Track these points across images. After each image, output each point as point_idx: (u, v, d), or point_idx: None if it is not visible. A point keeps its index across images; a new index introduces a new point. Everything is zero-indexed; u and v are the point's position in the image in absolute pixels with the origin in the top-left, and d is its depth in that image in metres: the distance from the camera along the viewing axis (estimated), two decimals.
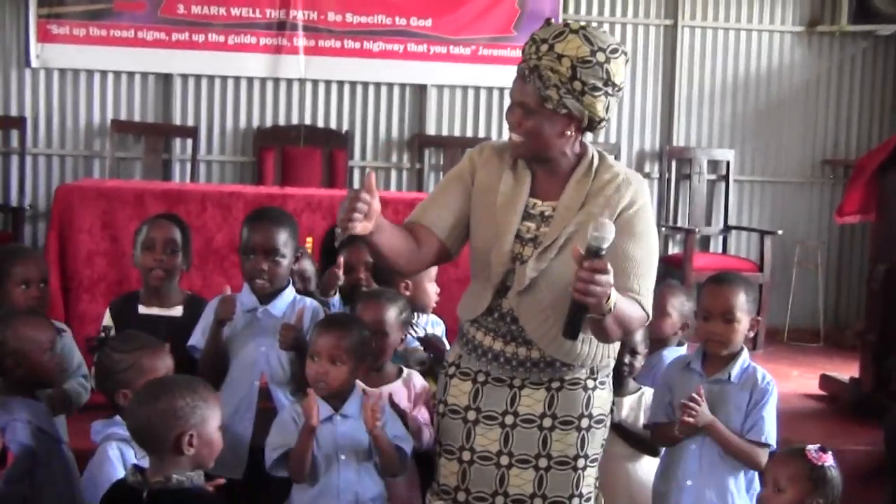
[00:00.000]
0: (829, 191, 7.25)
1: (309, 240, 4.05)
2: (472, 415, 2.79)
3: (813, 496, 2.71)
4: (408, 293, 3.49)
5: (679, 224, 6.99)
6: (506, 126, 6.80)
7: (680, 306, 3.61)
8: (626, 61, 2.70)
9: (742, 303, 3.08)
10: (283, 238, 3.21)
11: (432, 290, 3.48)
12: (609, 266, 2.40)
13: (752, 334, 3.15)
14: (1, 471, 2.59)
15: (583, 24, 2.65)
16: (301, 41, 6.56)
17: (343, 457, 2.90)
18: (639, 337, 3.32)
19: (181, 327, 3.41)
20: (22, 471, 2.68)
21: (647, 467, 3.32)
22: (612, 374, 2.92)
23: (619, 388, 3.28)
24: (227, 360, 3.22)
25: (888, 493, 3.85)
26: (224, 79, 6.59)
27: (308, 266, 3.55)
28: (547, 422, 2.77)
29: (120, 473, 2.62)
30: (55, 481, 2.80)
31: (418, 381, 3.22)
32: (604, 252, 2.41)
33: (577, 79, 2.59)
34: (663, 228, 6.86)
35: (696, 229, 6.68)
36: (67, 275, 4.72)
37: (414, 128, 6.83)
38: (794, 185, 7.23)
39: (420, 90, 6.80)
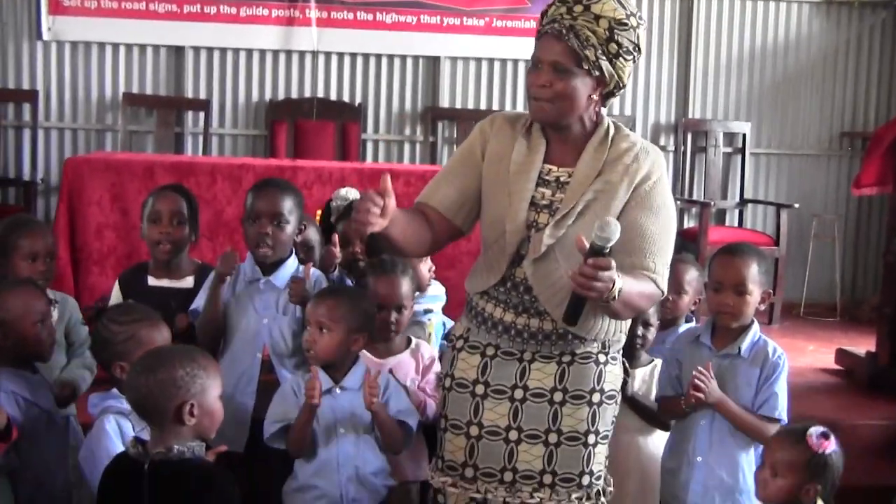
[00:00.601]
0: (846, 163, 7.16)
1: (319, 212, 4.02)
2: (480, 389, 2.76)
3: (810, 484, 2.66)
4: None
5: (695, 197, 6.93)
6: (521, 97, 6.67)
7: (695, 283, 3.57)
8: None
9: (754, 274, 3.03)
10: (287, 205, 3.20)
11: (425, 269, 3.45)
12: (612, 262, 2.37)
13: (763, 307, 3.10)
14: (3, 445, 2.57)
15: None
16: (313, 13, 6.51)
17: (342, 430, 2.89)
18: (651, 309, 3.28)
19: (192, 298, 3.39)
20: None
21: (658, 441, 3.29)
22: (623, 348, 2.90)
23: (631, 361, 3.26)
24: (223, 324, 3.19)
25: None
26: (236, 51, 6.55)
27: (313, 235, 3.52)
28: (557, 396, 2.73)
29: (118, 447, 2.61)
30: (45, 454, 2.79)
31: (427, 351, 3.20)
32: (608, 251, 2.38)
33: (614, 40, 2.59)
34: (678, 202, 6.79)
35: (712, 202, 6.62)
36: (77, 247, 4.71)
37: (427, 100, 6.78)
38: (811, 157, 7.15)
39: (433, 62, 6.74)
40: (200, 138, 6.52)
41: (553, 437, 2.73)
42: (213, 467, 2.38)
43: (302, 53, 6.60)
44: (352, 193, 3.71)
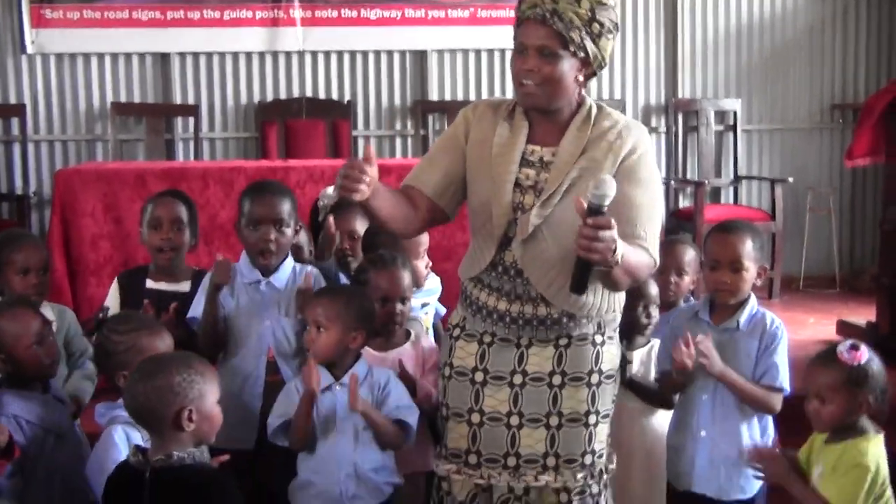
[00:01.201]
0: (838, 135, 7.15)
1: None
2: (479, 376, 2.76)
3: (860, 396, 2.64)
4: None
5: (688, 177, 6.92)
6: (510, 87, 6.73)
7: (693, 263, 3.57)
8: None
9: (749, 251, 3.03)
10: (287, 208, 3.20)
11: (421, 266, 3.44)
12: (613, 222, 2.37)
13: (759, 282, 3.10)
14: (5, 463, 2.56)
15: None
16: (297, 12, 6.50)
17: (342, 427, 2.87)
18: (654, 290, 3.29)
19: (189, 301, 3.39)
20: (13, 467, 2.67)
21: (661, 421, 3.28)
22: (624, 328, 2.92)
23: (628, 343, 3.26)
24: (224, 329, 3.18)
25: None
26: (222, 55, 6.54)
27: (302, 236, 3.53)
28: (556, 379, 2.74)
29: (115, 456, 2.60)
30: (52, 474, 2.77)
31: (426, 343, 3.19)
32: (605, 209, 2.38)
33: (596, 20, 2.60)
34: (672, 182, 6.79)
35: (706, 181, 6.61)
36: (73, 259, 4.70)
37: (416, 94, 6.76)
38: (802, 131, 7.14)
39: (420, 56, 6.73)
40: (191, 143, 6.52)
41: (554, 420, 2.74)
42: (214, 471, 2.38)
43: (288, 54, 6.59)
44: None
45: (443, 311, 3.65)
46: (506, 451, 2.74)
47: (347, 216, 3.53)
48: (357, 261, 3.47)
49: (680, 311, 3.32)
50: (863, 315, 5.38)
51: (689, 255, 3.56)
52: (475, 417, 2.76)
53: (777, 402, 2.99)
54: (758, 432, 3.05)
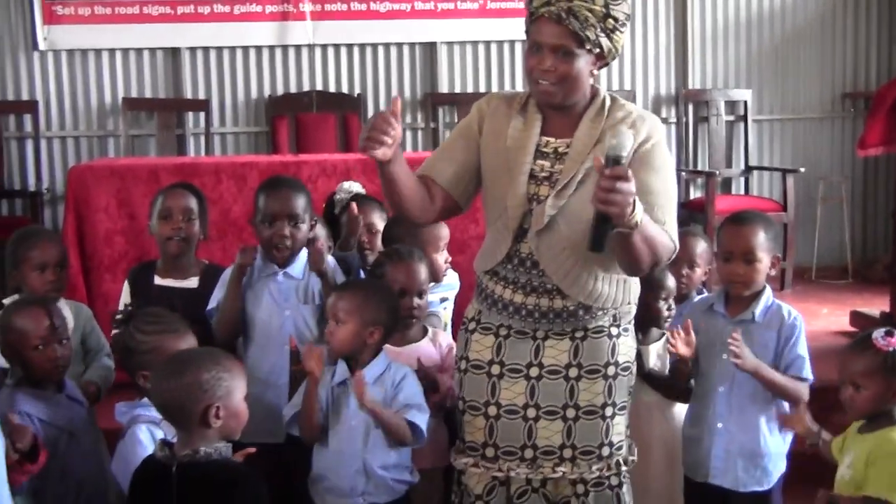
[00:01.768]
0: (850, 124, 7.12)
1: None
2: (496, 369, 2.77)
3: (895, 383, 2.62)
4: None
5: (699, 168, 6.91)
6: (520, 79, 6.64)
7: (705, 255, 3.57)
8: None
9: (762, 241, 3.03)
10: (301, 204, 3.21)
11: (440, 260, 3.44)
12: (630, 173, 2.35)
13: (773, 272, 3.10)
14: (27, 466, 2.56)
15: None
16: (307, 6, 6.50)
17: (353, 422, 2.88)
18: (672, 282, 3.30)
19: (197, 298, 3.40)
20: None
21: (679, 413, 3.29)
22: (640, 321, 2.94)
23: (644, 337, 3.27)
24: (244, 317, 3.20)
25: None
26: (232, 49, 6.55)
27: (319, 230, 3.53)
28: (573, 372, 2.75)
29: (140, 454, 2.61)
30: (66, 472, 2.78)
31: (444, 339, 3.20)
32: (623, 160, 2.37)
33: (610, 16, 2.60)
34: (683, 173, 6.77)
35: (717, 172, 6.60)
36: (87, 255, 4.71)
37: (426, 86, 6.77)
38: (814, 120, 7.12)
39: (430, 48, 6.73)
40: (202, 138, 6.53)
41: (571, 412, 2.75)
42: (239, 467, 2.39)
43: (298, 47, 6.60)
44: (355, 186, 3.73)
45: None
46: (523, 444, 2.76)
47: (366, 209, 3.54)
48: (375, 254, 3.47)
49: (694, 303, 3.33)
50: (876, 305, 5.38)
51: (701, 246, 3.56)
52: (492, 410, 2.77)
53: (806, 392, 3.00)
54: (776, 423, 3.05)
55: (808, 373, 3.02)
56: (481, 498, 2.81)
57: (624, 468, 2.82)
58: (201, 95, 6.55)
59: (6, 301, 3.31)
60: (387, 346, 3.02)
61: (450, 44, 6.74)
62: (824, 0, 7.03)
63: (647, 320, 3.23)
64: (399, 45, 6.71)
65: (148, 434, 2.70)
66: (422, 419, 2.88)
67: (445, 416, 3.07)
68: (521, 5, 2.75)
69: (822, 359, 3.14)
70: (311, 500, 2.93)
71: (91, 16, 6.32)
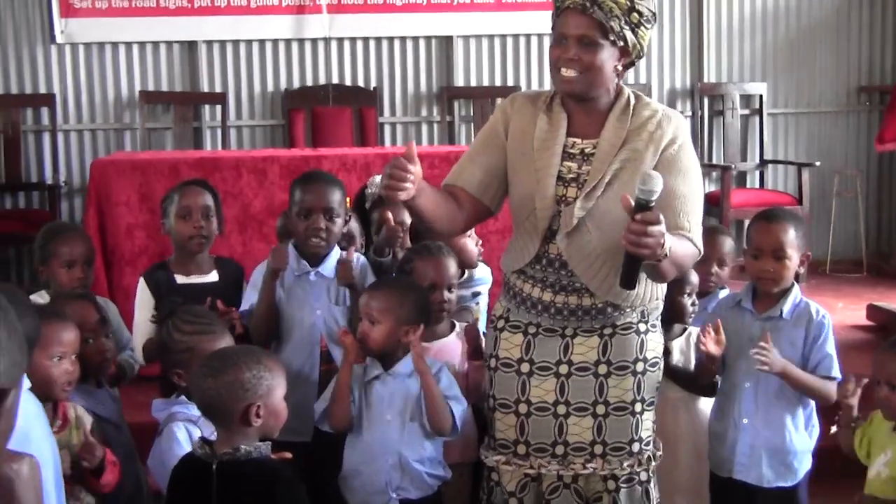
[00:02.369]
0: (865, 118, 7.13)
1: (347, 199, 4.03)
2: (525, 367, 2.79)
3: None
4: None
5: (714, 161, 6.91)
6: (536, 73, 6.65)
7: (731, 252, 3.58)
8: None
9: (792, 239, 3.04)
10: (337, 198, 3.22)
11: (471, 245, 3.44)
12: (661, 216, 2.39)
13: (802, 270, 3.11)
14: (104, 479, 2.58)
15: None
16: None
17: (388, 417, 2.89)
18: (695, 278, 3.30)
19: (220, 292, 3.41)
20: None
21: (704, 408, 3.30)
22: (664, 316, 2.93)
23: (666, 334, 3.27)
24: (278, 318, 3.21)
25: None
26: (249, 42, 6.56)
27: (353, 225, 3.54)
28: (602, 368, 2.77)
29: (177, 452, 2.62)
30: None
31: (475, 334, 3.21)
32: (653, 204, 2.39)
33: (635, 10, 2.62)
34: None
35: (733, 166, 6.61)
36: (108, 249, 4.74)
37: (442, 80, 6.77)
38: (829, 114, 7.12)
39: (446, 42, 6.73)
40: (219, 131, 6.55)
41: (601, 409, 2.77)
42: (279, 465, 2.39)
43: (314, 41, 6.61)
44: None
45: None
46: (554, 440, 2.78)
47: (395, 206, 3.53)
48: (404, 250, 3.47)
49: (721, 300, 3.34)
50: (892, 298, 5.40)
51: (728, 244, 3.57)
52: (522, 408, 2.79)
53: (834, 391, 3.00)
54: (802, 421, 3.07)
55: (836, 372, 3.03)
56: (514, 495, 2.82)
57: (653, 463, 2.84)
58: (218, 88, 6.56)
59: (34, 297, 3.33)
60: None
61: (466, 37, 6.75)
62: None
63: (670, 316, 3.23)
64: (415, 39, 6.72)
65: (185, 432, 2.71)
66: (458, 410, 2.90)
67: (474, 412, 3.08)
68: None
69: (842, 353, 3.14)
70: (342, 497, 2.94)
71: (108, 9, 6.33)
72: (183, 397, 2.80)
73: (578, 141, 2.73)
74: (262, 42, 6.57)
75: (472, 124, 6.74)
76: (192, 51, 6.51)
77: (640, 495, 2.83)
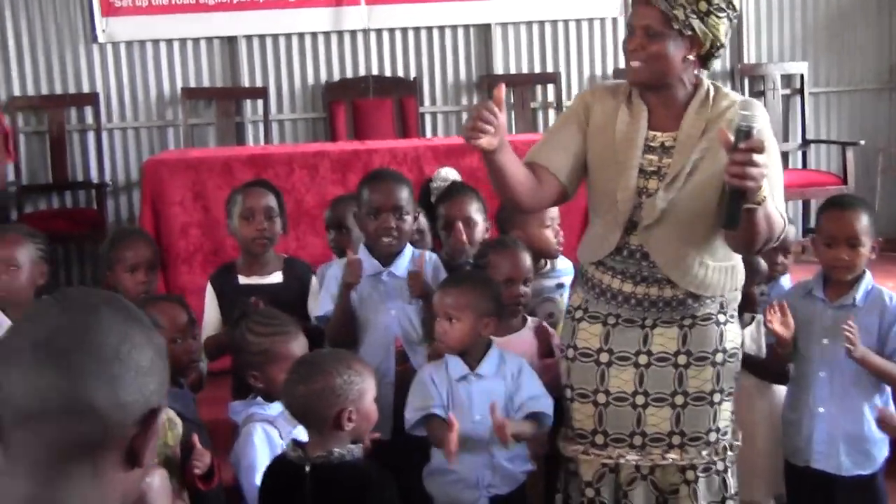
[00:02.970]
0: None
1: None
2: (604, 357, 2.80)
3: None
4: None
5: None
6: (575, 59, 6.62)
7: (793, 239, 3.58)
8: None
9: (865, 226, 3.04)
10: (406, 196, 3.22)
11: (549, 235, 3.43)
12: (763, 143, 2.36)
13: (873, 256, 3.10)
14: (201, 483, 2.60)
15: None
16: None
17: (478, 416, 2.89)
18: (763, 267, 3.30)
19: (282, 293, 3.44)
20: None
21: (780, 395, 3.31)
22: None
23: None
24: (353, 326, 3.23)
25: None
26: (288, 36, 6.56)
27: (422, 221, 3.55)
28: (681, 359, 2.77)
29: (267, 454, 2.65)
30: None
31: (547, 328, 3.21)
32: (755, 131, 2.36)
33: None
34: None
35: None
36: (164, 248, 4.75)
37: (481, 68, 6.76)
38: (871, 91, 7.06)
39: (484, 30, 6.72)
40: (261, 126, 6.56)
41: (679, 399, 2.78)
42: (372, 469, 2.42)
43: (353, 32, 6.60)
44: (452, 174, 3.72)
45: None
46: (632, 431, 2.79)
47: (462, 201, 3.52)
48: (474, 247, 3.47)
49: (791, 289, 3.34)
50: None
51: (792, 232, 3.57)
52: (601, 398, 2.80)
53: None
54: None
55: None
56: (591, 485, 2.84)
57: (730, 453, 2.84)
58: (259, 83, 6.57)
59: None
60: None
61: (504, 25, 6.73)
62: None
63: (741, 305, 3.23)
64: (454, 28, 6.70)
65: (263, 434, 2.73)
66: (548, 405, 2.92)
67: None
68: None
69: None
70: (428, 493, 2.96)
71: (148, 7, 6.35)
72: (259, 398, 2.83)
73: (658, 134, 2.73)
74: (301, 35, 6.57)
75: (513, 111, 6.73)
76: (233, 46, 6.52)
77: (718, 485, 2.84)
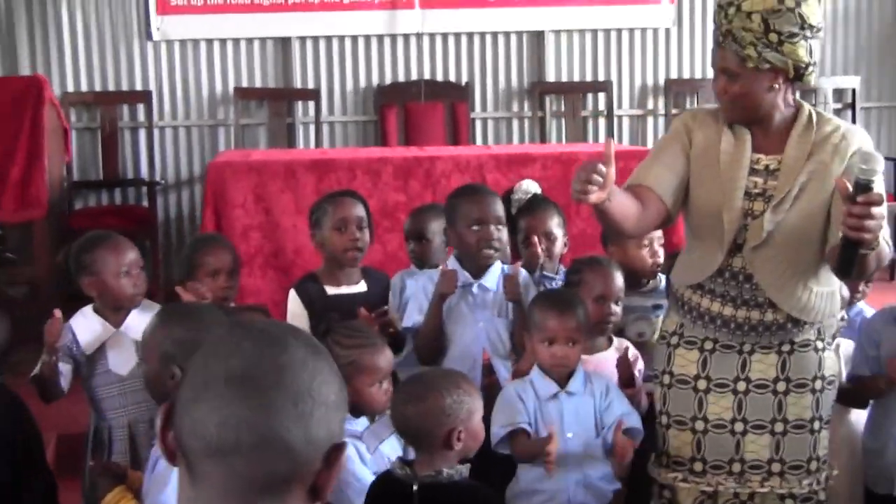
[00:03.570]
0: None
1: None
2: (702, 384, 2.78)
3: None
4: None
5: None
6: (627, 68, 6.63)
7: None
8: (820, 1, 2.64)
9: None
10: (501, 207, 3.24)
11: (644, 254, 3.41)
12: (884, 197, 2.33)
13: None
14: None
15: None
16: None
17: (569, 434, 2.87)
18: (846, 292, 3.27)
19: (369, 302, 3.41)
20: None
21: (858, 421, 3.28)
22: None
23: None
24: (444, 337, 3.22)
25: None
26: (342, 38, 6.56)
27: (504, 236, 3.53)
28: (781, 386, 2.75)
29: (356, 469, 2.63)
30: None
31: (631, 349, 3.19)
32: (874, 184, 2.33)
33: (772, 30, 2.57)
34: None
35: None
36: None
37: (533, 75, 6.74)
38: None
39: (537, 37, 6.70)
40: (312, 127, 6.56)
41: (779, 427, 2.75)
42: (481, 489, 2.40)
43: (406, 36, 6.60)
44: (532, 186, 3.69)
45: None
46: (731, 458, 2.76)
47: (542, 215, 3.51)
48: (553, 262, 3.46)
49: (878, 314, 3.29)
50: None
51: None
52: (699, 425, 2.78)
53: None
54: None
55: None
56: None
57: (830, 482, 2.82)
58: (311, 85, 6.57)
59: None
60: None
61: (557, 32, 6.71)
62: None
63: None
64: (507, 34, 6.69)
65: (352, 448, 2.72)
66: (637, 421, 2.92)
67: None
68: None
69: None
70: None
71: (203, 6, 6.36)
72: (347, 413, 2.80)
73: (762, 157, 2.72)
74: (354, 38, 6.57)
75: (563, 120, 6.71)
76: (286, 47, 6.52)
77: None
